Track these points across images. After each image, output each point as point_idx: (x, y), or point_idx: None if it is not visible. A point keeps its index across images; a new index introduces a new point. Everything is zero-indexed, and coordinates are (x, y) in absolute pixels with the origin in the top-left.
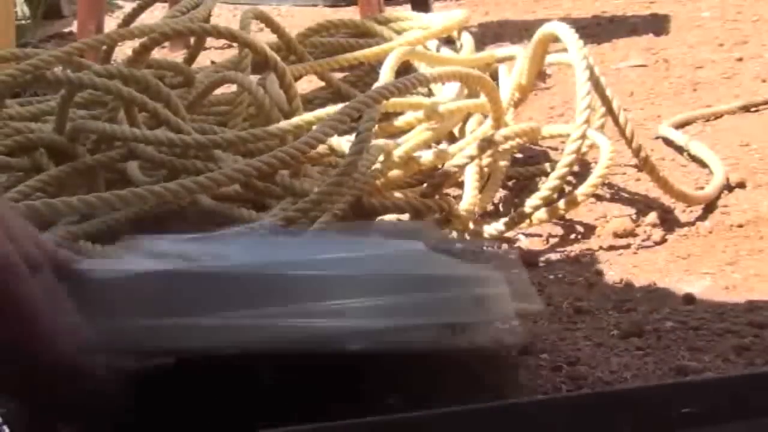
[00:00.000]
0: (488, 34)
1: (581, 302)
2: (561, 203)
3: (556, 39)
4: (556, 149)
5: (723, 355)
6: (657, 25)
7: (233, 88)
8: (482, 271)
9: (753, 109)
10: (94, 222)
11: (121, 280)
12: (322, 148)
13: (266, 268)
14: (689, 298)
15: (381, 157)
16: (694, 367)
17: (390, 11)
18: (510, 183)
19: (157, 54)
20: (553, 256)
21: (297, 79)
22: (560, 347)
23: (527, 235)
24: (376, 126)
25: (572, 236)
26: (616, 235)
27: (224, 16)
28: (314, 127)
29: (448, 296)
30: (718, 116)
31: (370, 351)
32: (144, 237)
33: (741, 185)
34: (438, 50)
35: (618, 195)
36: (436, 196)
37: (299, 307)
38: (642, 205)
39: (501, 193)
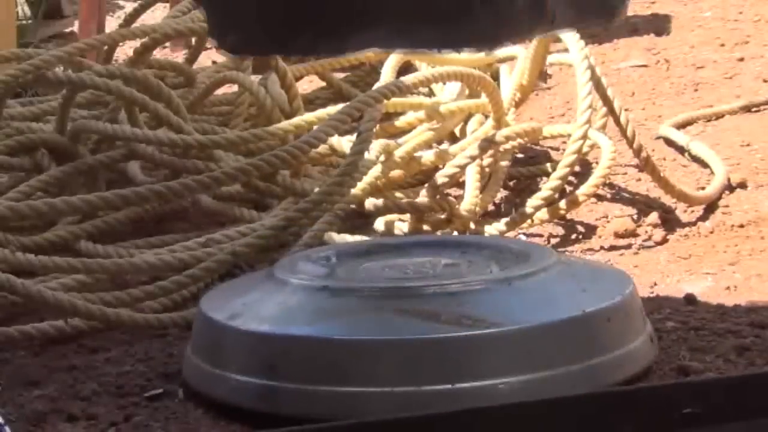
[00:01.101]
0: None
1: None
2: (562, 203)
3: (557, 39)
4: (557, 149)
5: (724, 355)
6: (658, 25)
7: (234, 88)
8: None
9: (754, 109)
10: (96, 221)
11: None
12: (323, 148)
13: None
14: (690, 299)
15: (382, 157)
16: (695, 367)
17: None
18: (511, 183)
19: (158, 54)
20: None
21: (298, 79)
22: None
23: (528, 235)
24: (378, 126)
25: (573, 236)
26: (618, 235)
27: None
28: (315, 127)
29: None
30: (719, 116)
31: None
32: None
33: (742, 185)
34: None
35: (619, 195)
36: (437, 196)
37: None
38: (643, 205)
39: (502, 193)
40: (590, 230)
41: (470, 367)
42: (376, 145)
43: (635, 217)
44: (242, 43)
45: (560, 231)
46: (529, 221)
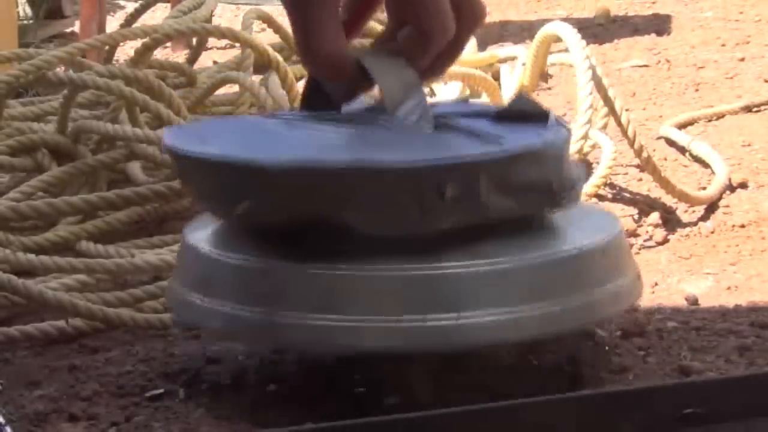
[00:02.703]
0: (490, 34)
1: None
2: None
3: (558, 39)
4: None
5: (725, 355)
6: (659, 25)
7: (235, 88)
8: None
9: (755, 109)
10: (97, 221)
11: None
12: None
13: None
14: (691, 299)
15: None
16: (696, 367)
17: None
18: None
19: (159, 54)
20: None
21: (299, 79)
22: (561, 347)
23: None
24: None
25: None
26: None
27: (226, 16)
28: None
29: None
30: (720, 116)
31: None
32: None
33: (743, 185)
34: None
35: (620, 195)
36: None
37: None
38: (644, 205)
39: None
40: None
41: (474, 300)
42: None
43: (636, 217)
44: None
45: None
46: None
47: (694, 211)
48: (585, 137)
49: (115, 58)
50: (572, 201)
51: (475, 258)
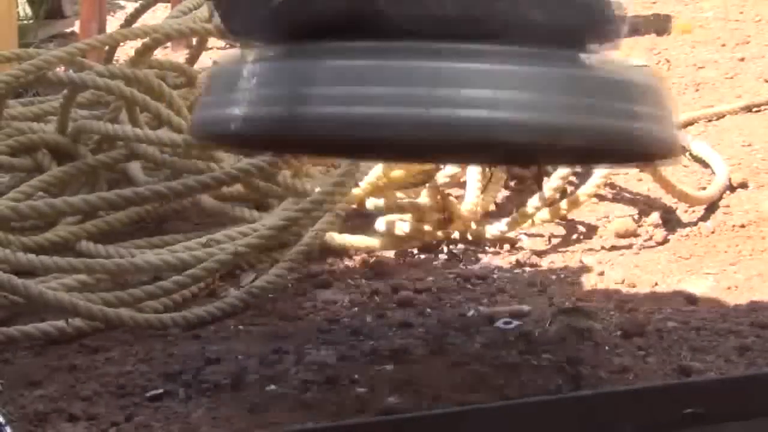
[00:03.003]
0: None
1: (583, 302)
2: (563, 203)
3: None
4: None
5: (725, 355)
6: (659, 25)
7: None
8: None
9: (755, 109)
10: (97, 221)
11: None
12: None
13: None
14: (691, 299)
15: None
16: (696, 367)
17: None
18: (512, 183)
19: (159, 54)
20: (555, 257)
21: None
22: (562, 347)
23: (529, 236)
24: None
25: (574, 236)
26: (618, 236)
27: None
28: None
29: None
30: (720, 116)
31: None
32: None
33: (743, 185)
34: None
35: (620, 195)
36: (438, 197)
37: None
38: (644, 205)
39: (503, 193)
40: (591, 230)
41: (506, 94)
42: None
43: (636, 217)
44: None
45: (561, 231)
46: (530, 221)
47: (694, 211)
48: None
49: (115, 58)
50: (611, 25)
51: (512, 55)
